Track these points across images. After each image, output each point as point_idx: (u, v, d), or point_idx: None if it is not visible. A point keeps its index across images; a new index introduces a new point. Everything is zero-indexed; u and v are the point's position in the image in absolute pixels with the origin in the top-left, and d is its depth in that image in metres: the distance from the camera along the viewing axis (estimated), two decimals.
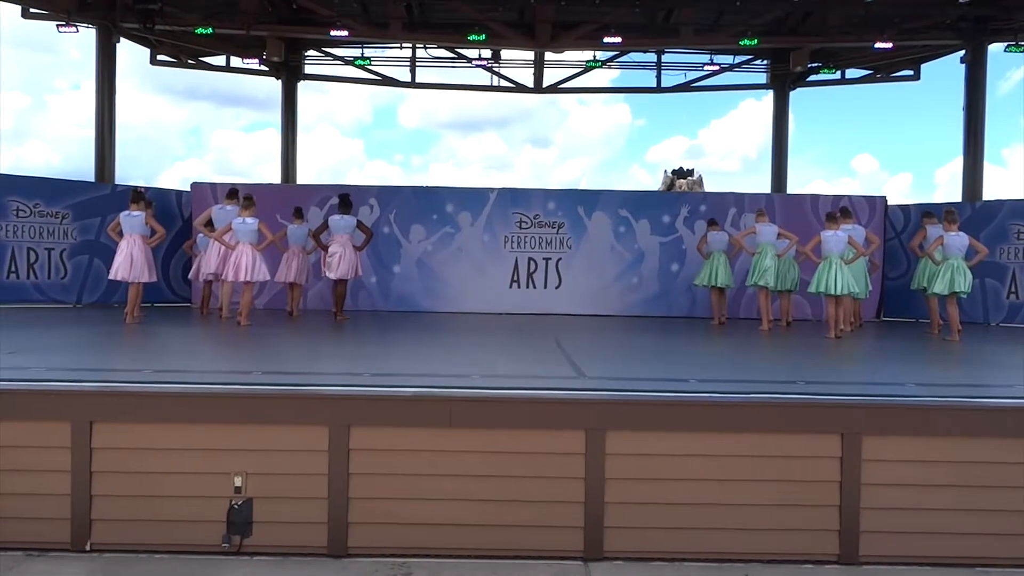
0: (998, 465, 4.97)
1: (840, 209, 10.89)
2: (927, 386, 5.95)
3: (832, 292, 9.61)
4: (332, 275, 10.96)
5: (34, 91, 36.64)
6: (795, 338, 10.02)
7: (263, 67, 18.37)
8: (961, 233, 9.70)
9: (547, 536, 4.94)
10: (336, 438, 4.91)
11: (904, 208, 13.39)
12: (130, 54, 19.51)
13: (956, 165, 16.09)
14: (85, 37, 15.26)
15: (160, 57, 17.91)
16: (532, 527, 4.94)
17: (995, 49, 15.65)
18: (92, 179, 15.05)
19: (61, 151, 31.92)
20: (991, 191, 15.64)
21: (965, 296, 9.80)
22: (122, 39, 15.85)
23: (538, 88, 19.23)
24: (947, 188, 29.16)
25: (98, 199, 12.64)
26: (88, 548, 4.89)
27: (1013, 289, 12.29)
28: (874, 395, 5.26)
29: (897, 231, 13.25)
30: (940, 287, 9.62)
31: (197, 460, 4.93)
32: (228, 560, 4.80)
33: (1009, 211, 12.39)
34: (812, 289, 9.88)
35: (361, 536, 4.93)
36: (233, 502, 4.87)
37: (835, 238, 9.74)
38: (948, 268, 9.57)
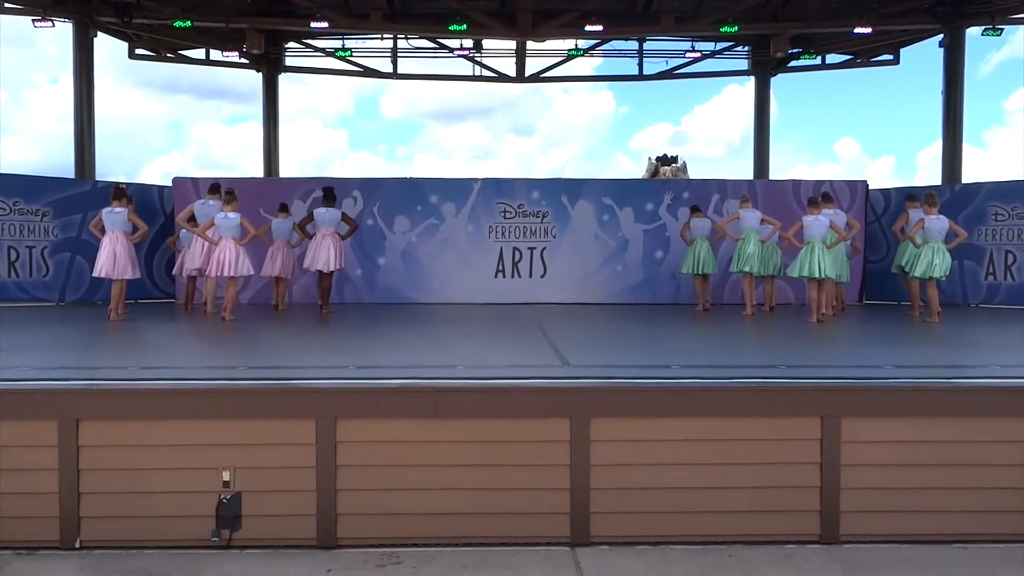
0: (974, 444, 5.08)
1: (822, 194, 10.99)
2: (906, 368, 6.05)
3: (815, 276, 9.72)
4: (310, 267, 10.99)
5: (11, 86, 36.18)
6: (778, 323, 10.12)
7: (243, 60, 18.24)
8: (941, 216, 9.81)
9: (534, 523, 5.00)
10: (323, 431, 4.94)
11: (885, 192, 13.51)
12: (108, 48, 19.33)
13: (937, 148, 16.25)
14: (62, 31, 15.13)
15: (138, 51, 17.76)
16: (519, 514, 5.00)
17: (973, 32, 15.81)
18: (72, 175, 14.94)
19: (40, 147, 31.57)
20: (972, 173, 15.80)
21: (944, 279, 9.93)
22: (99, 33, 15.70)
23: (520, 77, 19.23)
24: (929, 171, 29.35)
25: (79, 195, 12.55)
26: (78, 546, 4.91)
27: (991, 270, 12.44)
28: (853, 378, 5.36)
29: (878, 215, 13.37)
30: (921, 270, 9.74)
31: (185, 456, 4.95)
32: (218, 554, 4.83)
33: (987, 193, 12.53)
34: (794, 273, 9.98)
35: (350, 527, 4.98)
36: (222, 496, 4.90)
37: (817, 223, 9.84)
38: (928, 251, 9.68)
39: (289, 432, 4.97)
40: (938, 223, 9.70)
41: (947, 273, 9.74)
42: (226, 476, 4.92)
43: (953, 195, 12.80)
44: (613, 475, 5.01)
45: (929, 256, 9.64)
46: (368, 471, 5.00)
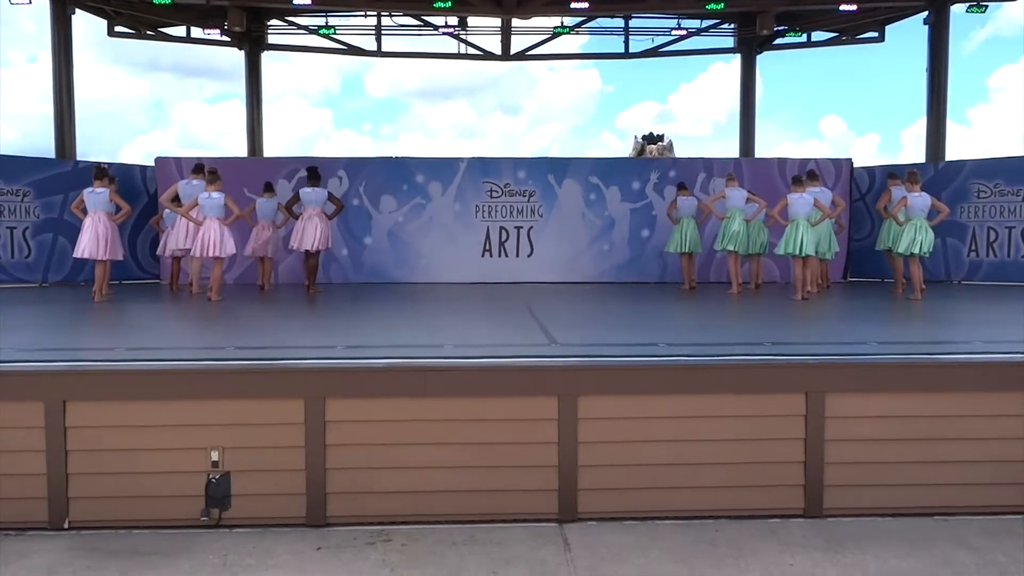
0: (955, 418, 5.16)
1: (807, 172, 11.02)
2: (889, 344, 6.12)
3: (799, 253, 9.78)
4: (297, 247, 10.94)
5: None
6: (763, 300, 10.20)
7: (225, 37, 17.99)
8: (924, 194, 9.88)
9: (523, 500, 5.04)
10: (312, 410, 4.95)
11: (869, 170, 13.58)
12: (87, 26, 18.94)
13: (922, 126, 16.32)
14: (39, 9, 14.85)
15: (118, 28, 17.44)
16: (508, 491, 5.04)
17: (957, 10, 15.82)
18: (52, 155, 14.74)
19: (19, 127, 31.10)
20: (956, 151, 15.93)
21: (927, 255, 10.02)
22: (77, 10, 15.43)
23: (506, 55, 19.08)
24: (913, 148, 29.55)
25: (60, 176, 12.40)
26: (67, 526, 4.91)
27: (973, 247, 12.57)
28: (837, 354, 5.42)
29: (862, 193, 13.44)
30: (904, 247, 9.82)
31: (173, 436, 4.95)
32: (207, 533, 4.85)
33: (970, 171, 12.62)
34: (780, 251, 10.04)
35: (340, 506, 5.00)
36: (211, 476, 4.91)
37: (801, 201, 9.89)
38: (912, 228, 9.76)
39: (278, 412, 4.97)
40: (920, 200, 9.77)
41: (930, 250, 9.84)
42: (215, 456, 4.93)
43: (936, 173, 12.89)
44: (600, 452, 5.06)
45: (912, 233, 9.72)
46: (357, 450, 5.02)
